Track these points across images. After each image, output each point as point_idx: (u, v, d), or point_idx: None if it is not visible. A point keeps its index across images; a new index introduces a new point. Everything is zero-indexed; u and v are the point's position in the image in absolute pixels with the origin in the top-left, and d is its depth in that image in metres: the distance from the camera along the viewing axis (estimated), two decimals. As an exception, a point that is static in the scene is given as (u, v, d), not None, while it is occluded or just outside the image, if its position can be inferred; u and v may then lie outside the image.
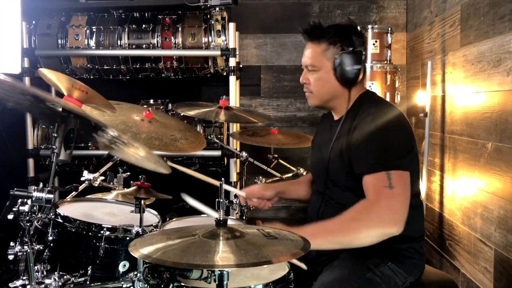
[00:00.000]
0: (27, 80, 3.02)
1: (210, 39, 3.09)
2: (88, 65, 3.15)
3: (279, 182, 2.23)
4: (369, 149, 1.66)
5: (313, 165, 2.01)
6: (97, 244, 1.69)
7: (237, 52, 3.04)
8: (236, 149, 3.07)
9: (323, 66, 1.81)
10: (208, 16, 3.12)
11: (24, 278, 1.45)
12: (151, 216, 1.99)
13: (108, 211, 1.99)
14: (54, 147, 1.45)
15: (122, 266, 1.70)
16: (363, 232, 1.57)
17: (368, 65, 3.00)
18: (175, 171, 3.24)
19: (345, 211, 1.62)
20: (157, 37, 3.09)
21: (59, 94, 1.61)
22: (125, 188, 2.19)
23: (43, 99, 1.41)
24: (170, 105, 3.23)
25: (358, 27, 1.88)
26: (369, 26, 3.03)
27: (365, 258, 1.69)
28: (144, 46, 3.10)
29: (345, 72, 1.77)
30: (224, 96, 3.06)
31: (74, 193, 2.29)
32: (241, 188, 2.89)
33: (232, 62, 3.00)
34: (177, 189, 2.20)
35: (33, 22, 3.13)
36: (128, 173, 2.37)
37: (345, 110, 1.84)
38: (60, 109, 1.47)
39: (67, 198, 2.12)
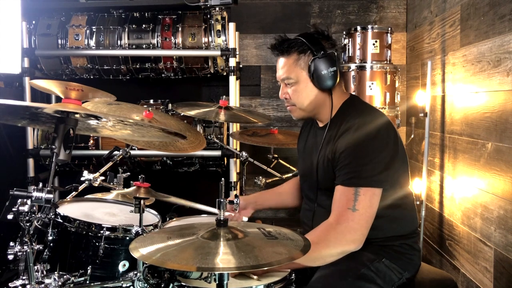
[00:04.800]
0: (27, 80, 3.02)
1: (210, 39, 3.09)
2: (88, 65, 3.16)
3: (255, 193, 2.22)
4: (346, 163, 1.69)
5: (302, 172, 2.01)
6: (97, 244, 1.69)
7: (237, 52, 3.04)
8: (236, 149, 3.07)
9: (299, 76, 1.79)
10: (208, 16, 3.12)
11: (24, 277, 1.45)
12: (151, 216, 2.00)
13: (108, 211, 1.99)
14: (53, 147, 1.45)
15: (122, 266, 1.70)
16: (324, 252, 1.64)
17: (368, 65, 3.00)
18: (174, 171, 3.25)
19: (309, 232, 1.69)
20: (157, 37, 3.09)
21: (59, 99, 1.62)
22: (125, 188, 2.19)
23: (39, 109, 1.43)
24: (170, 105, 3.23)
25: (325, 31, 1.85)
26: (369, 26, 3.03)
27: (360, 255, 1.70)
28: (144, 46, 3.10)
29: (322, 77, 1.76)
30: (224, 96, 3.06)
31: (74, 193, 2.29)
32: (241, 187, 2.89)
33: (232, 62, 3.00)
34: (176, 189, 2.21)
35: (33, 22, 3.13)
36: (128, 173, 2.37)
37: (329, 117, 1.84)
38: (60, 114, 1.48)
39: (67, 198, 2.12)
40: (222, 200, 1.34)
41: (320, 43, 1.79)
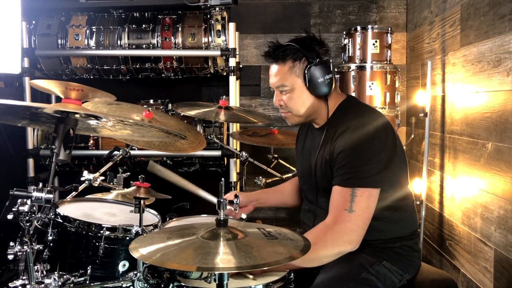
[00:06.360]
0: (27, 80, 3.02)
1: (210, 39, 3.09)
2: (88, 65, 3.16)
3: (256, 191, 2.22)
4: (343, 163, 1.69)
5: (301, 174, 2.01)
6: (97, 244, 1.69)
7: (237, 52, 3.04)
8: (236, 149, 3.07)
9: (294, 83, 1.78)
10: (208, 16, 3.12)
11: (24, 278, 1.45)
12: (151, 216, 2.00)
13: (108, 211, 1.99)
14: (53, 147, 1.45)
15: (122, 266, 1.70)
16: (321, 253, 1.64)
17: (368, 65, 3.00)
18: (174, 171, 3.25)
19: (306, 233, 1.68)
20: (157, 37, 3.09)
21: (59, 99, 1.63)
22: (125, 188, 2.19)
23: (39, 109, 1.43)
24: (170, 105, 3.23)
25: (318, 36, 1.83)
26: (369, 26, 3.04)
27: (360, 258, 1.70)
28: (144, 46, 3.10)
29: (318, 84, 1.75)
30: (224, 96, 3.06)
31: (74, 193, 2.29)
32: (241, 187, 2.89)
33: (232, 62, 3.00)
34: (177, 189, 2.20)
35: (33, 22, 3.13)
36: (128, 173, 2.37)
37: (324, 119, 1.83)
38: (60, 114, 1.48)
39: (67, 198, 2.12)
40: (222, 200, 1.34)
41: (314, 50, 1.77)
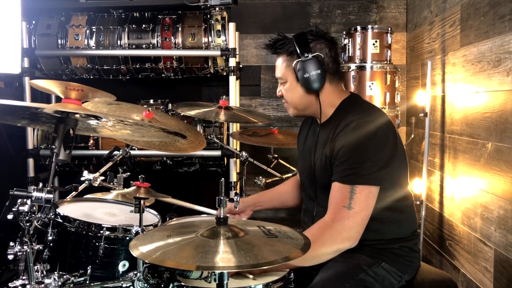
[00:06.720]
0: (27, 80, 3.02)
1: (210, 39, 3.09)
2: (88, 65, 3.16)
3: (253, 195, 2.24)
4: (343, 160, 1.69)
5: (302, 170, 2.01)
6: (97, 244, 1.69)
7: (237, 52, 3.04)
8: (236, 149, 3.07)
9: (288, 76, 1.83)
10: (208, 16, 3.12)
11: (24, 278, 1.45)
12: (151, 216, 2.00)
13: (108, 211, 1.99)
14: (53, 147, 1.45)
15: (122, 266, 1.70)
16: (320, 251, 1.64)
17: (368, 65, 3.00)
18: (174, 171, 3.25)
19: (305, 231, 1.69)
20: (157, 37, 3.09)
21: (59, 99, 1.63)
22: (125, 188, 2.19)
23: (39, 109, 1.43)
24: (170, 105, 3.23)
25: (321, 31, 1.84)
26: (369, 26, 3.03)
27: (359, 259, 1.70)
28: (144, 46, 3.10)
29: (306, 80, 1.77)
30: (224, 96, 3.06)
31: (74, 193, 2.29)
32: (241, 187, 2.89)
33: (232, 62, 3.00)
34: (176, 189, 2.21)
35: (33, 22, 3.13)
36: (128, 173, 2.37)
37: (326, 116, 1.85)
38: (60, 114, 1.48)
39: (67, 198, 2.12)
40: (222, 197, 1.34)
41: (307, 45, 1.79)
